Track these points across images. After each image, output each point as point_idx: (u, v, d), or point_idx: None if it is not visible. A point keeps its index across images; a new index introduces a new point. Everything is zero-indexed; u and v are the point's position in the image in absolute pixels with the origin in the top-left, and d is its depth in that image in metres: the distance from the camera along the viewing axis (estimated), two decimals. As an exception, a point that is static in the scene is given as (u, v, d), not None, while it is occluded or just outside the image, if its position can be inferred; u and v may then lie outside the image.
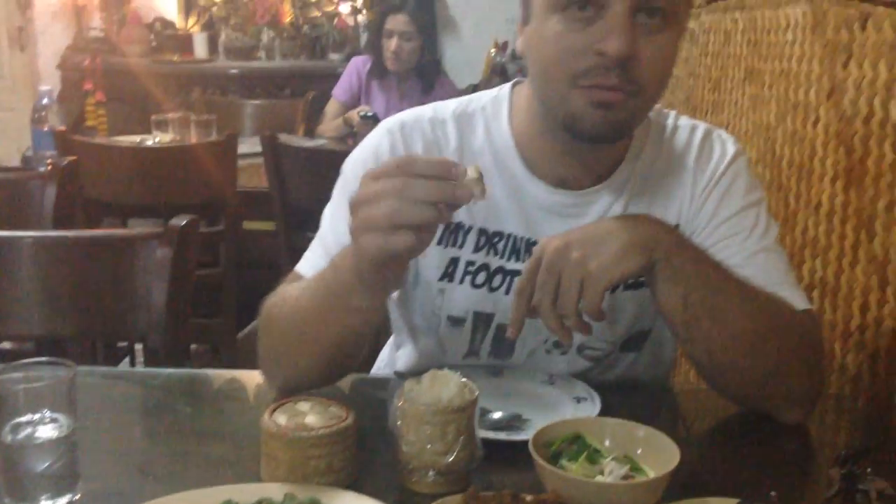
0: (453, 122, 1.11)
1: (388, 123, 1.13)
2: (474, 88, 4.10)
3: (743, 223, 1.06)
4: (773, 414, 1.01)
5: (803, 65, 1.48)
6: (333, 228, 1.09)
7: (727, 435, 1.09)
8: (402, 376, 1.16)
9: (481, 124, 1.10)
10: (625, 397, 1.08)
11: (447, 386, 0.87)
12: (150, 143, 3.05)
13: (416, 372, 1.14)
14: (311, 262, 1.08)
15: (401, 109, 3.65)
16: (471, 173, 0.81)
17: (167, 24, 5.12)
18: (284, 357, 1.02)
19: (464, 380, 0.88)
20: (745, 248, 1.05)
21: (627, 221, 0.95)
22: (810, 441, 1.06)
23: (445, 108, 1.13)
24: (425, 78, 3.41)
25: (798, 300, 1.03)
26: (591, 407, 1.03)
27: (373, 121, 3.23)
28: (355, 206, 0.83)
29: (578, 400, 1.05)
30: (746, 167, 1.12)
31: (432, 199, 0.79)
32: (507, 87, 1.12)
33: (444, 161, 0.83)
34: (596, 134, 0.98)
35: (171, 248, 1.40)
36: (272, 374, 1.05)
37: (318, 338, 0.97)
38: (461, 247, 1.09)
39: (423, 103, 3.69)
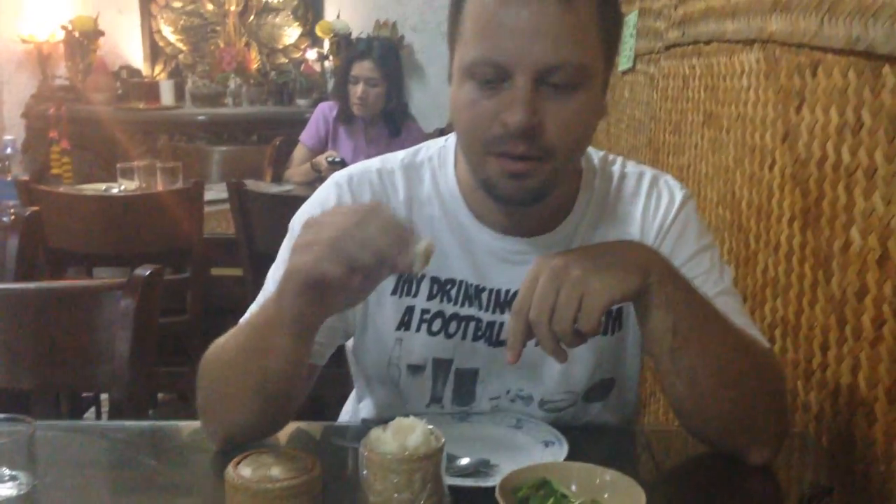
0: (401, 172, 1.12)
1: (337, 177, 1.14)
2: (441, 132, 4.14)
3: (698, 268, 1.08)
4: (741, 454, 1.02)
5: (759, 109, 1.52)
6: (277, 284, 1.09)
7: (695, 476, 1.09)
8: (369, 422, 1.16)
9: (428, 174, 1.11)
10: (592, 440, 1.09)
11: (413, 434, 0.86)
12: (115, 190, 3.04)
13: (383, 419, 1.14)
14: None
15: (368, 154, 3.69)
16: (422, 246, 0.84)
17: (133, 72, 5.12)
18: (216, 406, 1.01)
19: (430, 427, 0.88)
20: (704, 292, 1.06)
21: (624, 244, 0.98)
22: (777, 480, 1.06)
23: (394, 159, 1.14)
24: (392, 123, 3.44)
25: (762, 341, 1.05)
26: (559, 450, 1.03)
27: (340, 165, 3.25)
28: (305, 226, 0.86)
29: (546, 444, 1.05)
30: (695, 212, 1.14)
31: (375, 249, 0.82)
32: (452, 137, 1.13)
33: (401, 224, 0.85)
34: (512, 200, 1.00)
35: (134, 299, 1.39)
36: (210, 427, 1.04)
37: (243, 383, 0.96)
38: (415, 295, 1.10)
39: (390, 148, 3.73)
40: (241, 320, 1.07)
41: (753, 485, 1.02)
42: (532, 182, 0.97)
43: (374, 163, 1.14)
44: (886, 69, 1.07)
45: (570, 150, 0.99)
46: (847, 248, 1.16)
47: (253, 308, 1.08)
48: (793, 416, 1.28)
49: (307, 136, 3.53)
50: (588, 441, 1.07)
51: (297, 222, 1.12)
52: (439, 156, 1.13)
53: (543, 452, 1.03)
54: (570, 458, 1.00)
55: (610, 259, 0.91)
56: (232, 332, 1.01)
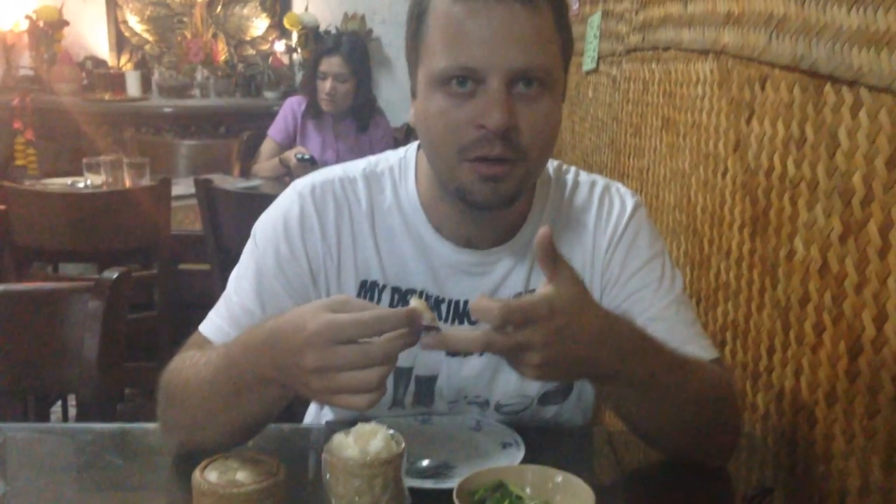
0: (363, 181, 1.13)
1: (299, 186, 1.14)
2: (409, 126, 4.16)
3: (651, 275, 1.12)
4: (696, 461, 1.07)
5: (712, 118, 1.57)
6: (239, 292, 1.10)
7: (647, 476, 1.13)
8: (333, 425, 1.19)
9: (389, 185, 1.14)
10: (550, 441, 1.12)
11: (374, 439, 0.89)
12: (81, 185, 3.02)
13: (346, 422, 1.17)
14: (216, 325, 1.09)
15: (336, 149, 3.67)
16: (424, 312, 0.85)
17: (99, 63, 5.07)
18: (182, 426, 1.02)
19: (391, 432, 0.91)
20: (656, 301, 1.10)
21: (614, 329, 0.91)
22: (727, 480, 1.10)
23: (355, 167, 1.16)
24: (360, 118, 3.45)
25: (707, 351, 1.09)
26: (517, 452, 1.06)
27: (309, 163, 3.26)
28: (321, 362, 0.82)
29: (504, 445, 1.09)
30: (647, 218, 1.17)
31: (396, 354, 0.83)
32: (413, 147, 1.15)
33: (411, 317, 0.84)
34: (487, 204, 1.02)
35: (102, 301, 1.41)
36: (169, 436, 1.05)
37: (229, 420, 0.97)
38: (377, 304, 1.12)
39: (358, 142, 3.71)
40: (205, 330, 1.09)
41: (703, 484, 1.06)
42: (506, 185, 1.00)
43: (336, 171, 1.16)
44: (828, 88, 1.12)
45: (541, 152, 1.02)
46: (791, 256, 1.21)
47: (221, 313, 1.10)
48: (742, 415, 1.34)
49: (275, 131, 3.53)
50: (546, 442, 1.10)
51: (259, 230, 1.14)
52: (400, 167, 1.15)
53: (501, 454, 1.07)
54: (527, 459, 1.03)
55: (598, 343, 0.87)
56: (200, 364, 0.99)
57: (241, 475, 0.89)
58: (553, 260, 0.84)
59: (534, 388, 1.15)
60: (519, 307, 0.82)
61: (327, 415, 1.25)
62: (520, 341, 0.83)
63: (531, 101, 0.97)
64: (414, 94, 1.05)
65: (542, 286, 0.86)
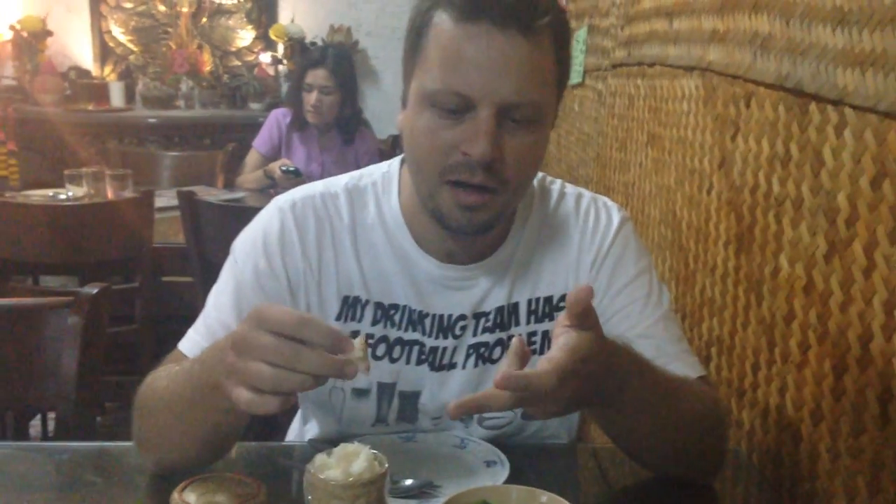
0: (345, 196, 1.12)
1: (280, 201, 1.13)
2: (395, 139, 4.17)
3: (638, 292, 1.11)
4: (684, 478, 1.06)
5: (697, 134, 1.57)
6: (217, 308, 1.09)
7: (633, 495, 1.13)
8: (316, 444, 1.18)
9: (372, 200, 1.13)
10: (534, 460, 1.12)
11: (357, 460, 0.88)
12: (63, 197, 3.00)
13: (329, 439, 1.16)
14: (194, 342, 1.08)
15: (322, 161, 3.66)
16: (358, 347, 0.81)
17: (82, 73, 5.05)
18: (156, 443, 1.01)
19: (374, 452, 0.90)
20: (644, 317, 1.10)
21: (612, 369, 0.88)
22: (713, 498, 1.10)
23: (338, 182, 1.15)
24: (346, 130, 3.44)
25: (694, 368, 1.09)
26: (501, 471, 1.05)
27: (294, 175, 3.25)
28: (240, 346, 0.79)
29: (488, 464, 1.08)
30: (633, 234, 1.16)
31: (319, 374, 0.78)
32: (396, 162, 1.15)
33: (338, 336, 0.79)
34: (461, 231, 1.02)
35: (81, 317, 1.39)
36: (144, 453, 1.04)
37: (186, 431, 0.96)
38: (360, 321, 1.11)
39: (343, 155, 3.69)
40: (183, 348, 1.08)
41: (689, 502, 1.06)
42: (483, 215, 1.00)
43: (317, 186, 1.15)
44: (812, 107, 1.12)
45: (523, 183, 1.03)
46: (776, 274, 1.21)
47: (199, 331, 1.09)
48: (728, 433, 1.33)
49: (260, 143, 3.52)
50: (530, 460, 1.10)
51: (238, 246, 1.13)
52: (383, 182, 1.14)
53: (486, 472, 1.06)
54: (511, 477, 1.03)
55: (605, 376, 0.86)
56: (172, 375, 0.98)
57: (221, 497, 0.87)
58: (585, 313, 0.82)
59: None
60: (565, 366, 0.80)
61: (310, 431, 1.23)
62: (553, 397, 0.81)
63: (519, 133, 0.97)
64: (404, 103, 1.04)
65: (562, 328, 0.83)
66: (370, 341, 1.11)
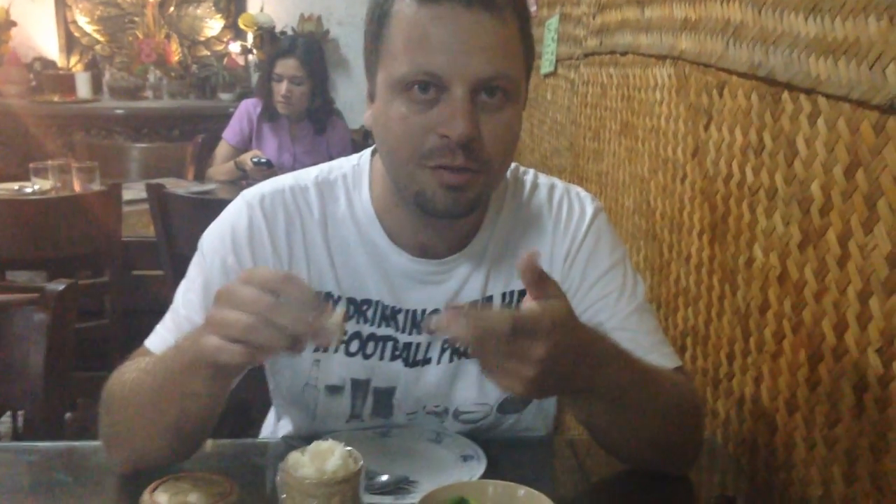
0: (315, 189, 1.10)
1: (248, 196, 1.11)
2: (367, 129, 4.13)
3: (612, 284, 1.10)
4: (660, 470, 1.06)
5: (670, 124, 1.57)
6: (186, 304, 1.07)
7: (611, 486, 1.13)
8: (290, 441, 1.16)
9: (343, 193, 1.11)
10: (511, 453, 1.11)
11: (331, 458, 0.87)
12: (28, 190, 2.94)
13: (303, 436, 1.15)
14: (162, 338, 1.06)
15: (293, 152, 3.62)
16: (336, 315, 0.82)
17: (48, 64, 4.96)
18: (124, 438, 0.99)
19: (348, 449, 0.89)
20: (619, 310, 1.09)
21: (596, 355, 0.89)
22: (690, 488, 1.10)
23: (307, 175, 1.13)
24: (317, 120, 3.41)
25: (670, 359, 1.08)
26: (478, 465, 1.05)
27: (266, 166, 3.22)
28: (221, 297, 0.81)
29: (465, 458, 1.07)
30: (607, 224, 1.15)
31: (293, 331, 0.79)
32: (366, 154, 1.13)
33: (317, 299, 0.81)
34: (446, 213, 0.99)
35: (48, 314, 1.36)
36: (112, 451, 1.02)
37: (155, 420, 0.94)
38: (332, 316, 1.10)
39: (315, 145, 3.66)
40: (150, 344, 1.06)
41: (666, 492, 1.06)
42: (468, 194, 0.98)
43: (287, 179, 1.12)
44: (785, 95, 1.12)
45: (503, 162, 1.01)
46: (750, 263, 1.22)
47: (167, 327, 1.07)
48: (704, 424, 1.34)
49: (230, 134, 3.48)
50: (507, 454, 1.09)
51: (206, 241, 1.10)
52: (353, 174, 1.12)
53: (462, 467, 1.05)
54: (488, 471, 1.02)
55: (581, 359, 0.86)
56: (142, 367, 0.97)
57: (193, 497, 0.86)
58: (541, 279, 0.83)
59: (493, 396, 1.14)
60: (529, 317, 0.80)
61: (284, 428, 1.22)
62: (523, 351, 0.80)
63: (494, 110, 0.96)
64: (371, 98, 1.02)
65: (528, 302, 0.84)
66: (343, 336, 1.10)
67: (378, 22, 0.98)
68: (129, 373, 0.99)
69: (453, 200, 0.98)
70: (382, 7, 0.97)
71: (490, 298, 1.12)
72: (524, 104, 1.03)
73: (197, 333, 0.85)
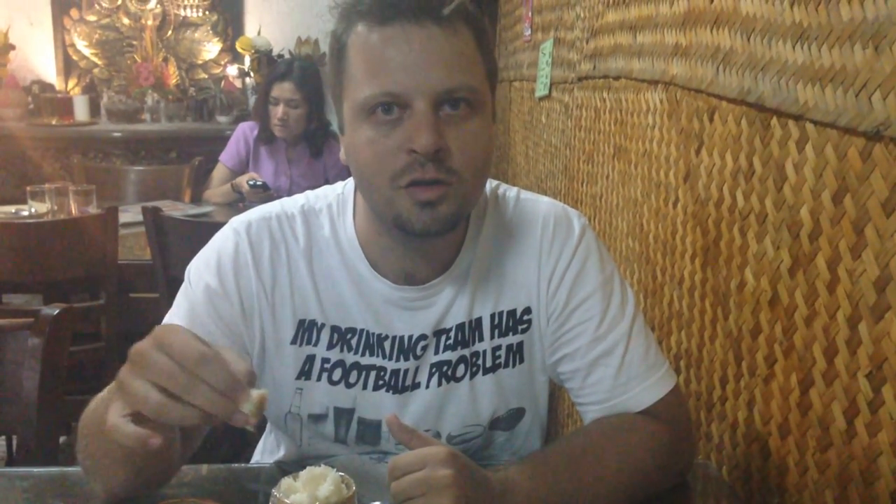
0: (301, 217, 1.11)
1: (235, 223, 1.11)
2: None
3: (599, 306, 1.09)
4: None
5: (662, 148, 1.58)
6: None
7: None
8: (283, 465, 1.16)
9: (327, 222, 1.11)
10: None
11: (324, 483, 0.87)
12: (25, 213, 2.95)
13: (296, 460, 1.14)
14: None
15: (290, 175, 3.63)
16: (255, 397, 0.76)
17: (46, 87, 4.97)
18: (96, 471, 0.98)
19: (341, 475, 0.89)
20: (599, 338, 1.08)
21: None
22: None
23: (294, 203, 1.13)
24: (313, 144, 3.43)
25: (658, 386, 1.07)
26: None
27: (262, 188, 3.23)
28: (135, 360, 0.75)
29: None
30: (595, 242, 1.13)
31: (208, 411, 0.74)
32: (350, 183, 1.13)
33: (236, 382, 0.75)
34: (426, 230, 0.99)
35: (42, 338, 1.36)
36: (89, 478, 1.00)
37: (117, 457, 0.92)
38: (315, 344, 1.09)
39: (311, 168, 3.68)
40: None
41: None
42: (445, 209, 0.98)
43: (274, 207, 1.13)
44: (774, 121, 1.13)
45: (476, 173, 1.00)
46: (742, 287, 1.22)
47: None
48: (697, 444, 1.34)
49: (227, 157, 3.49)
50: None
51: (193, 268, 1.10)
52: (338, 203, 1.12)
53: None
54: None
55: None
56: (102, 396, 0.94)
57: (185, 524, 0.86)
58: (414, 436, 0.92)
59: (484, 415, 1.14)
60: (441, 446, 0.89)
61: (278, 451, 1.22)
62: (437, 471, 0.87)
63: (459, 121, 0.96)
64: (342, 131, 1.03)
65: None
66: (326, 365, 1.10)
67: (338, 55, 1.00)
68: (93, 402, 0.96)
69: (431, 217, 0.98)
70: (340, 40, 0.99)
71: (479, 320, 1.11)
72: (493, 115, 1.04)
73: (109, 397, 0.80)
